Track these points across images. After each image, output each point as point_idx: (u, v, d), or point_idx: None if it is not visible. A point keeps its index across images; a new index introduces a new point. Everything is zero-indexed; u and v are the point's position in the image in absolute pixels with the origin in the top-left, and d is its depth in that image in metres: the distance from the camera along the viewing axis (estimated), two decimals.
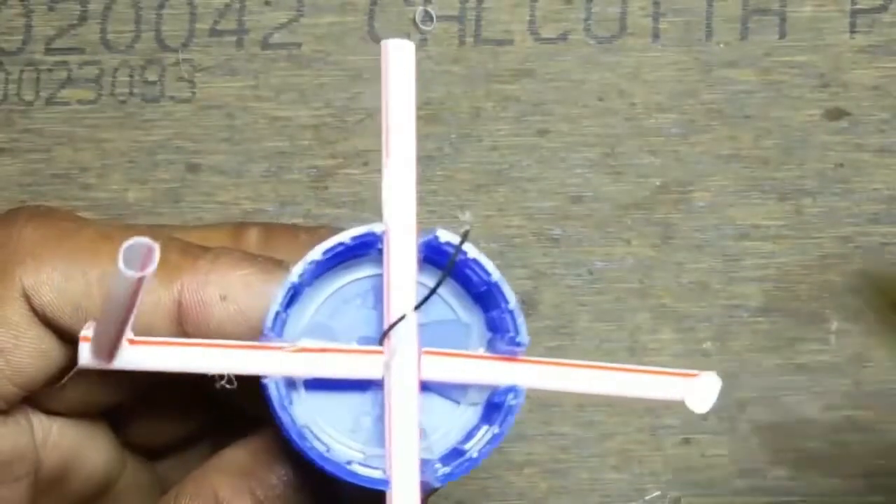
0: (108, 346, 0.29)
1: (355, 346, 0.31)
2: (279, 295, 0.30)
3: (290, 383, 0.31)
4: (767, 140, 0.48)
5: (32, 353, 0.33)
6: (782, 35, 0.48)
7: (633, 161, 0.48)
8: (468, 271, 0.31)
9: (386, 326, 0.30)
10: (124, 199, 0.48)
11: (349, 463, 0.30)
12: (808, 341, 0.47)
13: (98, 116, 0.49)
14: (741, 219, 0.47)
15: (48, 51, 0.49)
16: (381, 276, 0.31)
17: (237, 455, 0.34)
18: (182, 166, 0.48)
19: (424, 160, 0.48)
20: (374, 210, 0.47)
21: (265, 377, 0.30)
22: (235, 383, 0.30)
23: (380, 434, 0.30)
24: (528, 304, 0.47)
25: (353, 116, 0.48)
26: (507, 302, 0.31)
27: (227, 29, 0.49)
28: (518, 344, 0.30)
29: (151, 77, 0.49)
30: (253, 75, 0.48)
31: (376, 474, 0.30)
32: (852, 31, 0.48)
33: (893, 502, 0.47)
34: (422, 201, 0.48)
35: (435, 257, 0.31)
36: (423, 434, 0.30)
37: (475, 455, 0.30)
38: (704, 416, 0.47)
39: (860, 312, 0.47)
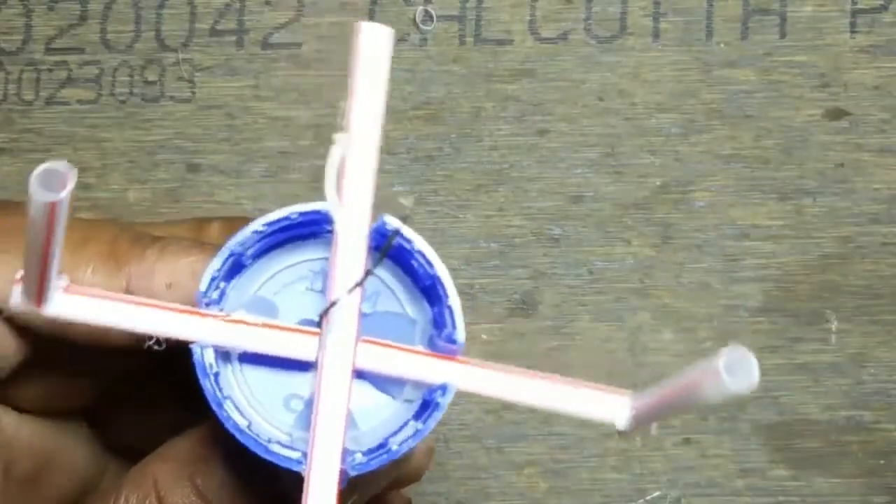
0: (37, 286, 0.29)
1: (292, 325, 0.30)
2: (217, 261, 0.30)
3: (225, 355, 0.30)
4: (768, 140, 0.48)
5: None
6: (782, 35, 0.48)
7: (633, 161, 0.48)
8: (415, 263, 0.30)
9: (327, 303, 0.29)
10: (124, 199, 0.48)
11: (269, 441, 0.30)
12: (809, 341, 0.47)
13: (98, 116, 0.49)
14: (741, 219, 0.47)
15: (48, 51, 0.49)
16: (299, 264, 0.31)
17: (179, 444, 0.33)
18: (182, 166, 0.48)
19: (424, 160, 0.48)
20: (373, 209, 0.47)
21: (193, 342, 0.30)
22: (164, 345, 0.30)
23: (308, 418, 0.30)
24: (528, 304, 0.47)
25: None
26: (447, 297, 0.30)
27: (227, 29, 0.49)
28: (454, 341, 0.30)
29: (151, 77, 0.49)
30: (253, 75, 0.48)
31: (295, 455, 0.29)
32: (852, 31, 0.48)
33: (894, 502, 0.47)
34: (422, 201, 0.48)
35: (378, 241, 0.30)
36: (353, 424, 0.30)
37: (395, 448, 0.29)
38: (705, 416, 0.47)
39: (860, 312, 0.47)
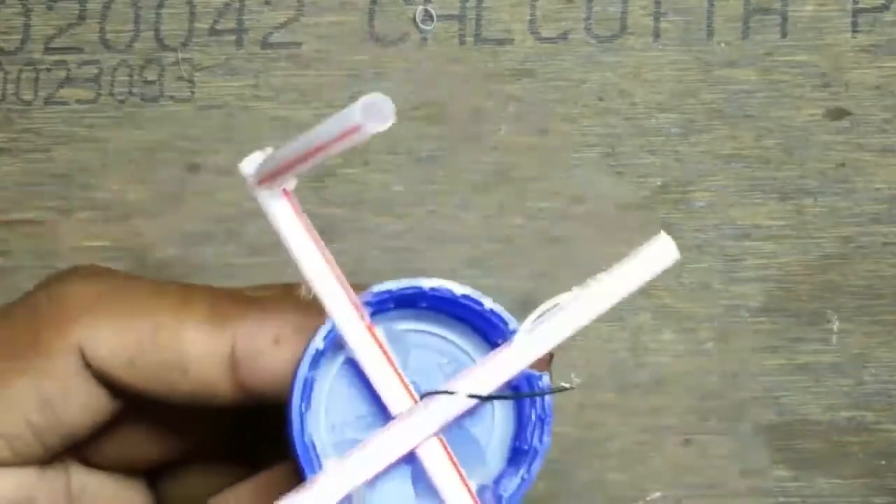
0: (275, 172, 0.29)
1: (405, 377, 0.31)
2: (404, 283, 0.31)
3: (339, 346, 0.31)
4: (768, 140, 0.48)
5: (80, 406, 0.33)
6: (783, 34, 0.48)
7: (633, 161, 0.48)
8: (530, 426, 0.31)
9: (443, 389, 0.30)
10: (124, 199, 0.48)
11: (310, 440, 0.30)
12: (810, 341, 0.47)
13: (97, 116, 0.49)
14: (742, 219, 0.47)
15: (47, 50, 0.49)
16: (447, 340, 0.32)
17: (239, 493, 0.34)
18: (182, 166, 0.48)
19: (425, 160, 0.48)
20: (373, 210, 0.47)
21: (329, 317, 0.30)
22: (311, 295, 0.30)
23: (347, 450, 0.30)
24: (527, 304, 0.47)
25: None
26: (528, 471, 0.31)
27: (227, 28, 0.49)
28: None
29: (151, 77, 0.49)
30: (253, 75, 0.48)
31: (315, 462, 0.30)
32: (854, 31, 0.48)
33: (894, 503, 0.46)
34: (422, 202, 0.48)
35: (521, 385, 0.31)
36: (371, 486, 0.30)
37: None
38: (706, 417, 0.47)
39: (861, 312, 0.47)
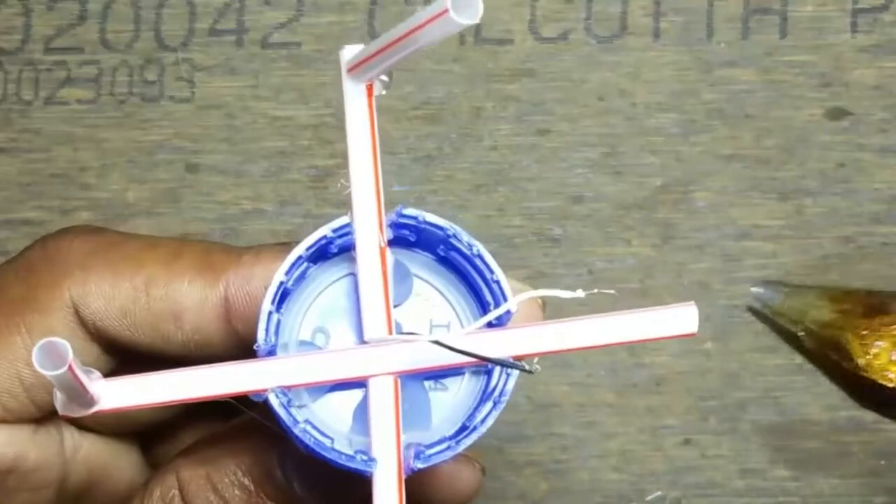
0: (365, 57, 0.29)
1: (391, 308, 0.30)
2: (430, 216, 0.31)
3: (351, 258, 0.31)
4: (768, 140, 0.48)
5: None
6: (783, 34, 0.48)
7: (633, 161, 0.48)
8: (485, 406, 0.31)
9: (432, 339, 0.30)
10: (124, 199, 0.48)
11: (277, 324, 0.30)
12: None
13: (97, 116, 0.49)
14: (742, 219, 0.47)
15: (47, 50, 0.49)
16: (448, 303, 0.32)
17: (202, 443, 0.34)
18: (181, 166, 0.48)
19: (424, 160, 0.48)
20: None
21: (350, 217, 0.30)
22: (347, 191, 0.30)
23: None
24: None
25: None
26: (457, 444, 0.30)
27: (227, 28, 0.49)
28: (415, 469, 0.30)
29: (151, 77, 0.49)
30: (253, 75, 0.48)
31: (270, 338, 0.30)
32: (853, 31, 0.48)
33: (894, 502, 0.46)
34: (422, 201, 0.48)
35: (493, 369, 0.31)
36: (310, 395, 0.30)
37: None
38: (705, 417, 0.47)
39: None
